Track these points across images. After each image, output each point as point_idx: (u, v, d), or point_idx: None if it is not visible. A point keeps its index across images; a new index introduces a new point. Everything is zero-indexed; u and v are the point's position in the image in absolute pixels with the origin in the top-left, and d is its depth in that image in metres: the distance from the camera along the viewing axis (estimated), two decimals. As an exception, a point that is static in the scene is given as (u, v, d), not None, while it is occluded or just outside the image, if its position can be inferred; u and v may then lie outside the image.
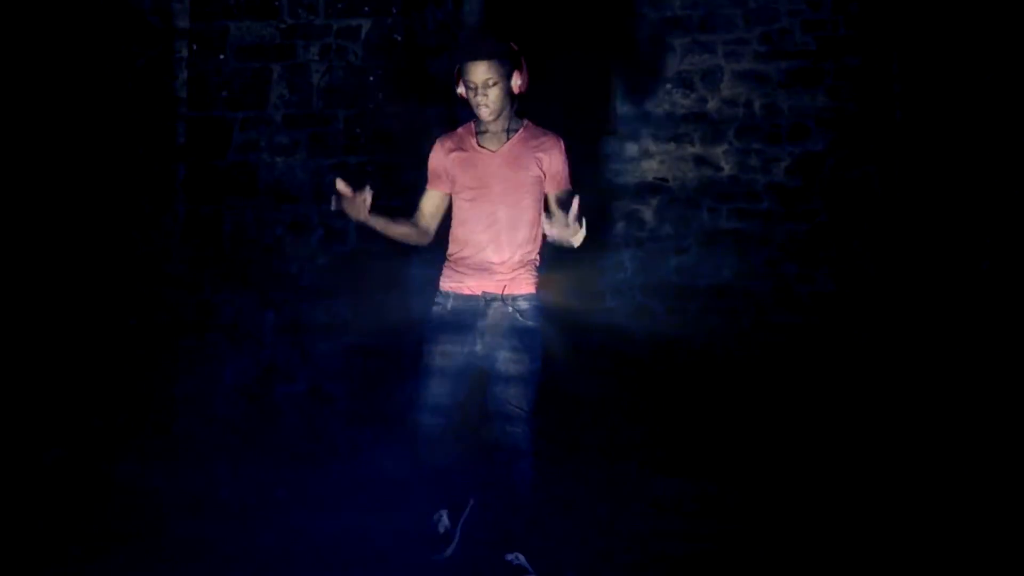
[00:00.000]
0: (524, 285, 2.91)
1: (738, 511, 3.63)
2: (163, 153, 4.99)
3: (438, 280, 3.05)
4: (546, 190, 2.90)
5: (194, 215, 4.96)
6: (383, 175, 4.92)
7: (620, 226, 5.97)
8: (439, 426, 2.93)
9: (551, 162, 2.87)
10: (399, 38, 4.98)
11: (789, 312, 5.72)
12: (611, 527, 3.40)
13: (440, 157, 2.98)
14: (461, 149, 2.93)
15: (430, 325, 2.97)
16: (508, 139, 2.87)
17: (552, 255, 3.01)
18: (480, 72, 2.75)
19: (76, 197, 4.76)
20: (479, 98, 2.78)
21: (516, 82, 2.83)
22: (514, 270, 2.89)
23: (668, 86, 6.00)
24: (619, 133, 6.04)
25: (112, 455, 4.34)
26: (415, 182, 4.81)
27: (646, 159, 5.99)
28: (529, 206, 2.88)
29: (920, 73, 5.62)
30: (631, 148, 6.01)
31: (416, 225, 3.05)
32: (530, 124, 2.94)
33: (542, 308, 2.94)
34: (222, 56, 5.00)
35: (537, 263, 2.98)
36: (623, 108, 6.03)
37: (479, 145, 2.90)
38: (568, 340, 4.65)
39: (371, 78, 4.97)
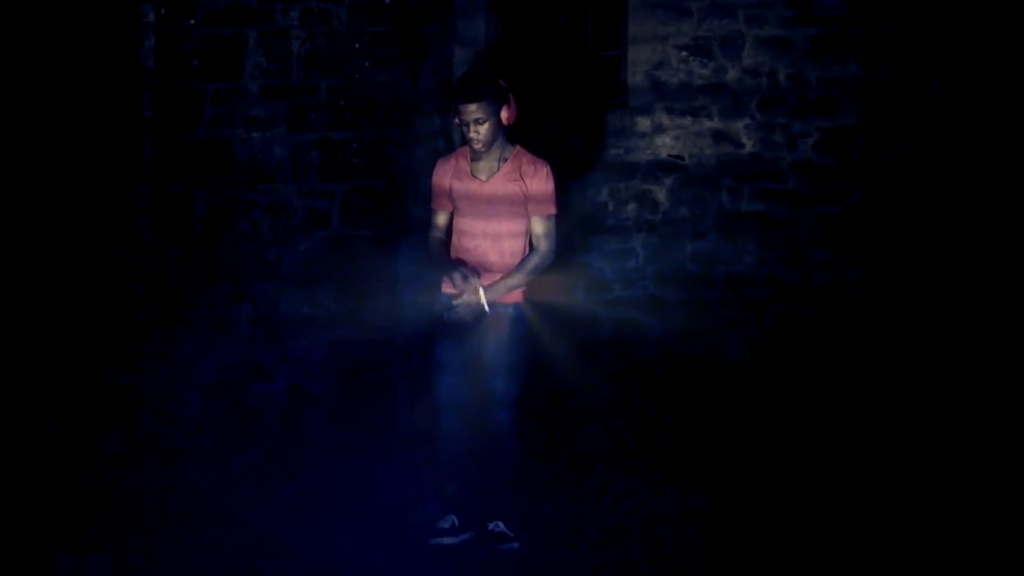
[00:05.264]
0: (512, 294, 3.39)
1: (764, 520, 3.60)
2: (128, 127, 4.70)
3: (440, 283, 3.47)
4: (529, 211, 3.37)
5: (162, 196, 4.69)
6: (370, 152, 4.66)
7: (631, 208, 5.67)
8: (458, 423, 3.39)
9: (534, 186, 3.35)
10: (387, 0, 4.67)
11: (817, 304, 5.47)
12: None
13: (441, 180, 3.46)
14: (457, 176, 3.41)
15: (437, 326, 3.45)
16: (499, 168, 3.36)
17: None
18: (471, 111, 3.24)
19: (26, 177, 4.48)
20: (472, 133, 3.27)
21: (504, 115, 3.32)
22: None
23: (684, 54, 5.69)
24: (630, 105, 5.72)
25: (70, 461, 4.18)
26: (406, 160, 4.72)
27: (659, 134, 5.70)
28: (515, 227, 3.38)
29: (962, 40, 5.33)
30: (643, 122, 5.71)
31: (443, 242, 3.54)
32: (520, 150, 3.40)
33: (527, 313, 3.44)
34: (192, 21, 4.70)
35: None
36: (634, 78, 5.70)
37: (472, 174, 3.39)
38: (571, 335, 4.48)
39: (356, 45, 4.70)
